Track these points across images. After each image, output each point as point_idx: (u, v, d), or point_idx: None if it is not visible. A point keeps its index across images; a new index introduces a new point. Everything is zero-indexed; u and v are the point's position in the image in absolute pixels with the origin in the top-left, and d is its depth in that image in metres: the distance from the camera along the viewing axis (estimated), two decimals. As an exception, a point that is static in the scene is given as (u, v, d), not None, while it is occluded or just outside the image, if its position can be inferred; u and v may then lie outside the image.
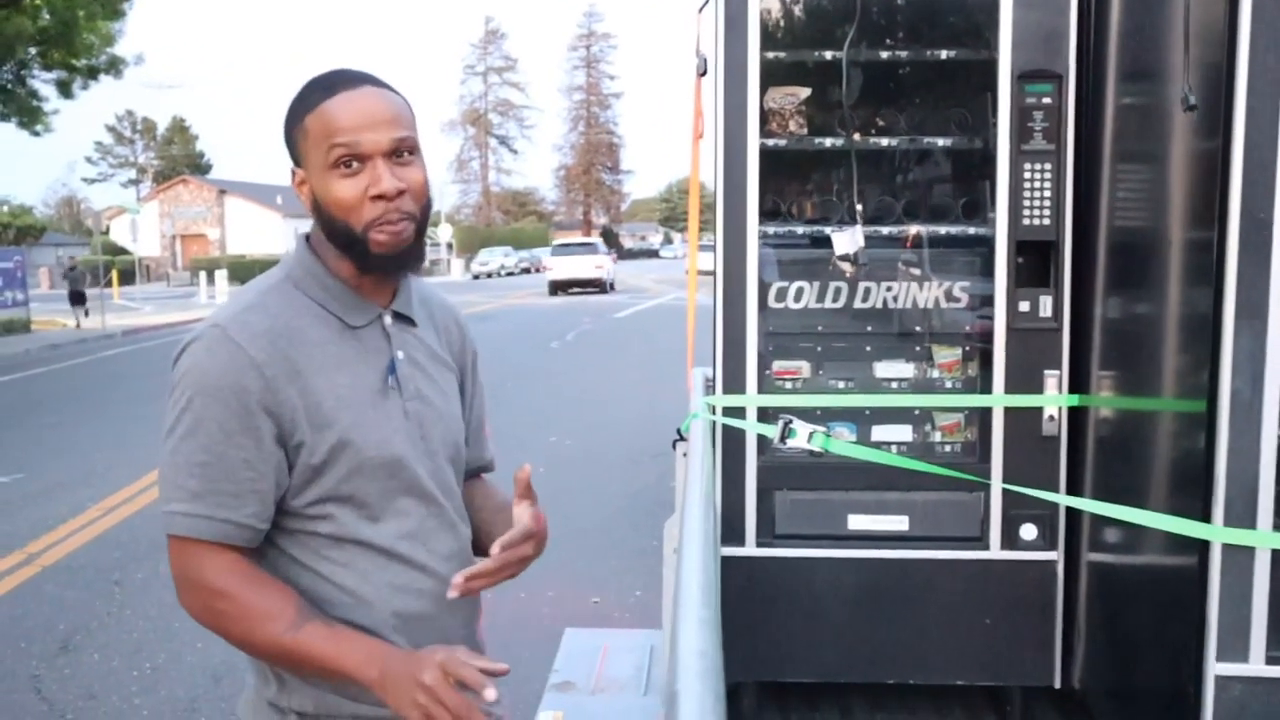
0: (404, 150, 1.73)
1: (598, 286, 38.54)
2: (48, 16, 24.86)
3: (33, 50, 25.59)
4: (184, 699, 5.02)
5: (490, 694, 1.57)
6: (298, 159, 1.78)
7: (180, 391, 1.70)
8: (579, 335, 22.43)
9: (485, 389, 2.13)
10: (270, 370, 1.68)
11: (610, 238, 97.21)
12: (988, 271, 3.62)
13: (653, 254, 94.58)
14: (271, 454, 1.70)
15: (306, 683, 1.75)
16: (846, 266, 3.69)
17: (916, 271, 3.75)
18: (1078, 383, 3.54)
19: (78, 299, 28.50)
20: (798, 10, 3.85)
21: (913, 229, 3.72)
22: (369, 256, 1.74)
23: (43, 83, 27.28)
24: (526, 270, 63.01)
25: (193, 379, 1.69)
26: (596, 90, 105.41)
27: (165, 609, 6.14)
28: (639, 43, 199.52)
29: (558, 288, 38.42)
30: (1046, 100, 3.48)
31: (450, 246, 65.30)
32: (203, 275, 41.30)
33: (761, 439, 3.61)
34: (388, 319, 1.84)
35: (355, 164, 1.70)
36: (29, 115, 27.10)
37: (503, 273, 59.94)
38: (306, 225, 1.90)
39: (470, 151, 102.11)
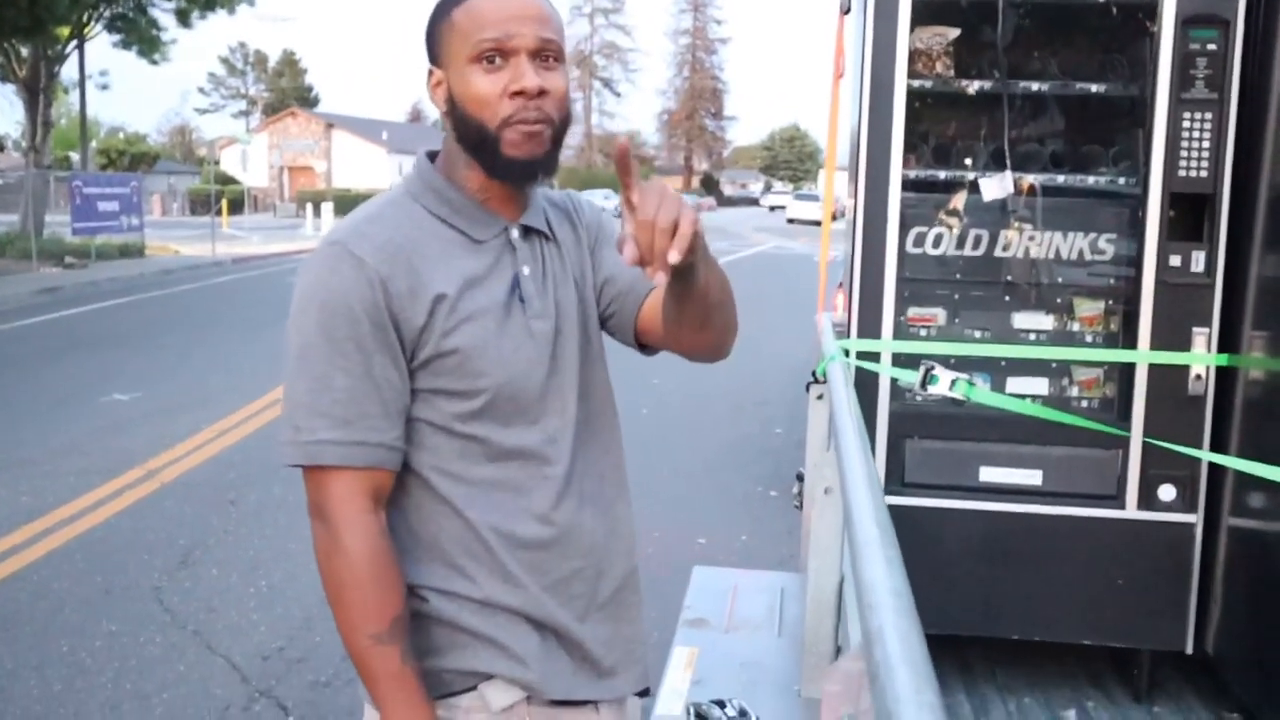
0: (549, 54, 1.63)
1: (816, 222, 56.83)
2: (169, -54, 25.37)
3: (153, -21, 26.16)
4: (299, 617, 5.13)
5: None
6: (436, 57, 1.67)
7: (306, 313, 1.60)
8: (680, 280, 22.32)
9: None
10: (395, 285, 1.59)
11: (710, 185, 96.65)
12: (1136, 223, 3.50)
13: (753, 202, 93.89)
14: (405, 370, 1.62)
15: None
16: (954, 221, 3.59)
17: (1056, 221, 3.63)
18: (1228, 342, 3.41)
19: None
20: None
21: (1060, 178, 3.61)
22: (498, 158, 1.63)
23: (162, 12, 27.88)
24: (626, 212, 63.25)
25: (319, 298, 1.59)
26: (703, 35, 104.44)
27: (279, 530, 6.28)
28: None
29: (791, 220, 56.88)
30: (1211, 46, 3.33)
31: (551, 187, 65.70)
32: (309, 207, 41.80)
33: (893, 384, 3.55)
34: (514, 233, 1.73)
35: (499, 59, 1.60)
36: (148, 44, 27.74)
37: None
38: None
39: (574, 93, 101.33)
